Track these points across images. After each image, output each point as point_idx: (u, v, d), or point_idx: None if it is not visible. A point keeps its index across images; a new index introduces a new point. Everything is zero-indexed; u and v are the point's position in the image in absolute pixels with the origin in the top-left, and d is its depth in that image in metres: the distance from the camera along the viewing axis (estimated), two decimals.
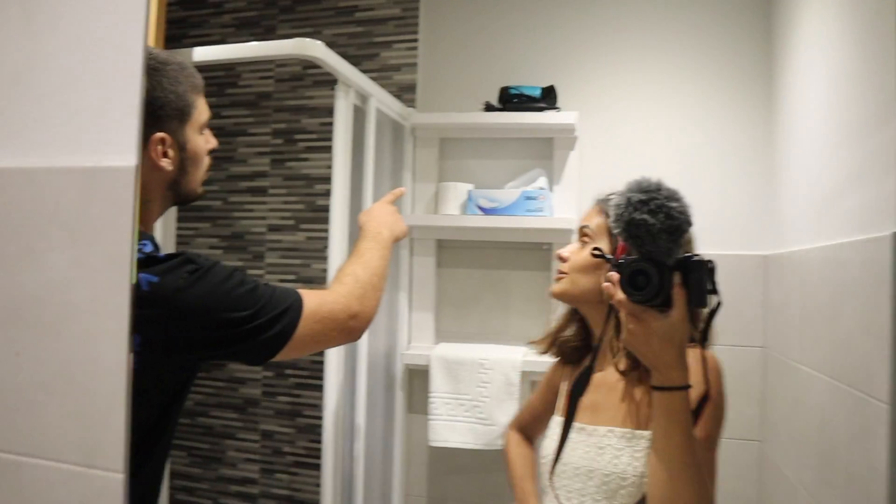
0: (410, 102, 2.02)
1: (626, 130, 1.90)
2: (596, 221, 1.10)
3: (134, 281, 0.70)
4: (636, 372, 1.01)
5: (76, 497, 0.73)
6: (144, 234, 0.92)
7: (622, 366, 1.03)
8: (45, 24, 0.75)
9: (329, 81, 1.50)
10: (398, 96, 1.95)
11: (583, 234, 1.12)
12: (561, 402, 1.17)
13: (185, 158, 0.97)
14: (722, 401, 0.97)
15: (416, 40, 2.05)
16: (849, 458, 1.09)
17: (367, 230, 1.19)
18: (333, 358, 1.50)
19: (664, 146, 1.87)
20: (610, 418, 1.03)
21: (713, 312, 0.92)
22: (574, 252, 1.12)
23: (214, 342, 0.91)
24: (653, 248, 0.84)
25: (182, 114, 0.96)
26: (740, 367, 1.77)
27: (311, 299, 0.99)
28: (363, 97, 1.60)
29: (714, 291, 0.86)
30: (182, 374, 0.97)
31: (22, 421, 0.75)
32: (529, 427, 1.35)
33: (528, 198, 1.85)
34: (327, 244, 1.49)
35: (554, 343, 1.22)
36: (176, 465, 2.20)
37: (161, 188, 0.97)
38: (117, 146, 0.70)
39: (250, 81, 2.17)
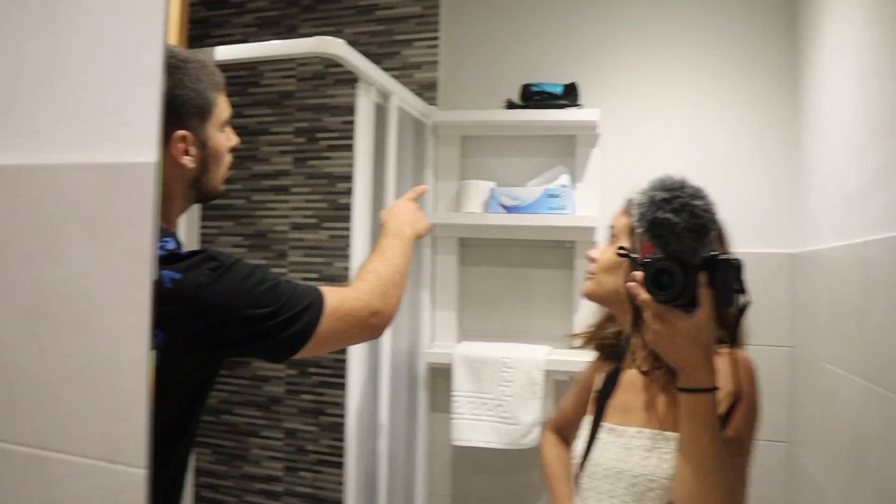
0: (431, 100, 2.02)
1: (649, 127, 1.88)
2: (622, 221, 1.09)
3: (155, 277, 0.70)
4: (660, 372, 0.99)
5: (99, 491, 0.74)
6: (167, 231, 0.93)
7: (645, 366, 1.01)
8: (67, 23, 0.76)
9: (351, 80, 1.50)
10: (419, 94, 1.95)
11: (612, 234, 1.12)
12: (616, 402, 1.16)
13: (206, 156, 0.97)
14: (755, 403, 0.94)
15: (436, 38, 2.04)
16: (882, 462, 1.06)
17: (388, 227, 1.19)
18: (356, 356, 1.50)
19: (688, 143, 1.85)
20: (639, 419, 1.01)
21: (742, 312, 0.90)
22: (602, 252, 1.11)
23: (236, 339, 0.91)
24: (677, 247, 0.83)
25: (203, 111, 0.96)
26: (767, 367, 1.72)
27: (333, 296, 0.99)
28: (384, 95, 1.60)
29: (742, 291, 0.84)
30: (204, 370, 0.97)
31: (46, 415, 0.76)
32: (565, 428, 1.33)
33: (551, 195, 1.84)
34: (349, 242, 1.49)
35: (592, 339, 1.21)
36: (201, 462, 2.22)
37: (183, 185, 0.97)
38: (138, 142, 0.71)
39: (272, 80, 2.18)
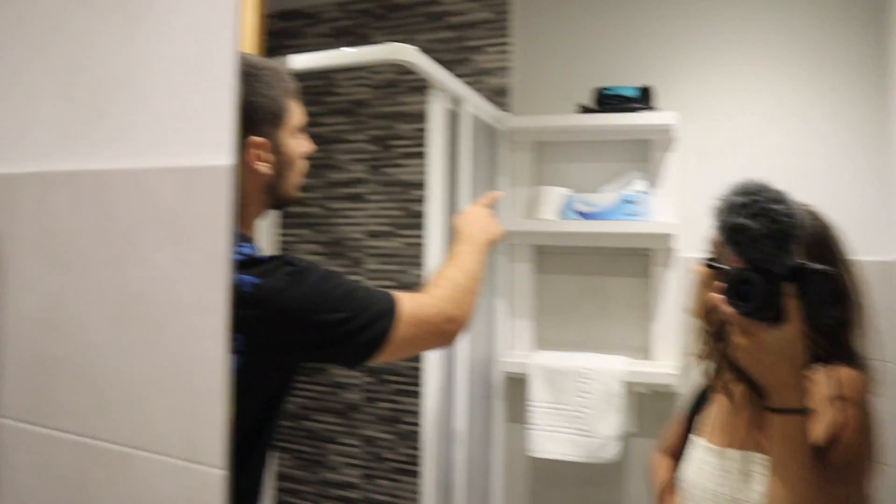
0: (503, 106, 2.01)
1: (729, 131, 1.81)
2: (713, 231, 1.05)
3: (232, 280, 0.72)
4: (749, 390, 0.94)
5: (181, 490, 0.75)
6: (245, 236, 0.95)
7: (732, 383, 0.96)
8: (146, 33, 0.79)
9: (423, 87, 1.51)
10: (491, 100, 1.94)
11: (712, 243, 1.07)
12: (707, 421, 1.10)
13: (280, 162, 0.99)
14: (865, 425, 0.87)
15: (507, 43, 2.03)
16: None
17: (462, 233, 1.18)
18: (432, 364, 1.49)
19: (772, 147, 1.77)
20: (736, 439, 0.95)
21: (845, 326, 0.84)
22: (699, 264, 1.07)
23: (311, 344, 0.92)
24: (756, 255, 0.78)
25: (276, 117, 0.98)
26: None
27: (408, 302, 0.99)
28: (457, 101, 1.60)
29: (839, 303, 0.79)
30: (282, 375, 0.99)
31: (132, 414, 0.79)
32: (674, 448, 1.27)
33: (627, 201, 1.79)
34: (424, 249, 1.49)
35: (706, 354, 1.15)
36: (282, 467, 2.26)
37: (258, 191, 0.99)
38: (214, 146, 0.72)
39: (347, 89, 2.21)
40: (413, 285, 2.08)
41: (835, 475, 0.81)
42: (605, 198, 1.82)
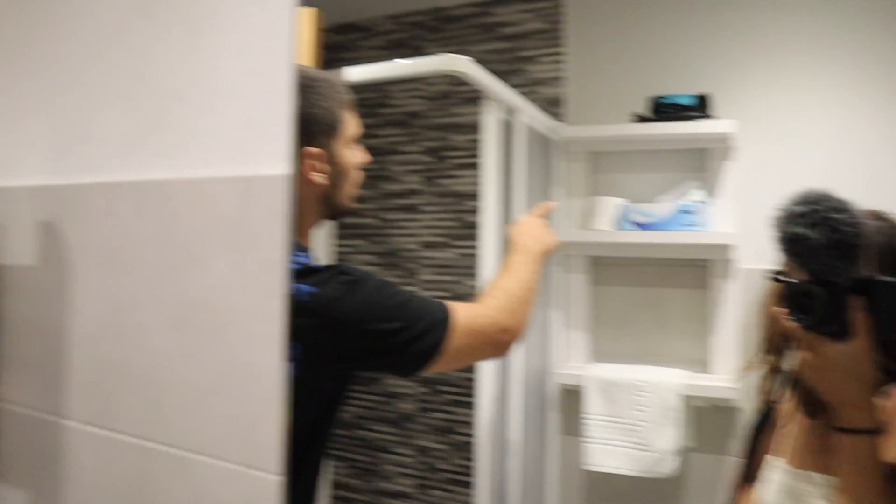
0: (557, 116, 2.00)
1: (790, 139, 1.75)
2: None
3: (288, 288, 0.73)
4: (816, 408, 0.90)
5: (238, 495, 0.77)
6: (301, 246, 0.96)
7: (800, 402, 0.92)
8: (206, 45, 0.81)
9: (476, 98, 1.51)
10: (545, 110, 1.93)
11: None
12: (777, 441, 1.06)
13: (335, 172, 1.00)
14: None
15: (561, 53, 2.02)
16: None
17: (516, 244, 1.17)
18: (486, 375, 1.49)
19: (835, 155, 1.70)
20: (812, 461, 0.91)
21: None
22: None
23: (366, 353, 0.93)
24: (818, 267, 0.75)
25: (331, 128, 0.99)
26: None
27: (462, 313, 0.98)
28: (511, 112, 1.60)
29: None
30: (337, 383, 1.00)
31: (191, 419, 0.80)
32: (751, 473, 1.21)
33: (685, 212, 1.76)
34: (478, 260, 1.49)
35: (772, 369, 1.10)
36: (337, 475, 2.28)
37: (313, 201, 1.01)
38: (271, 156, 0.74)
39: (401, 101, 2.23)
40: (467, 296, 2.08)
41: None
42: (661, 208, 1.79)
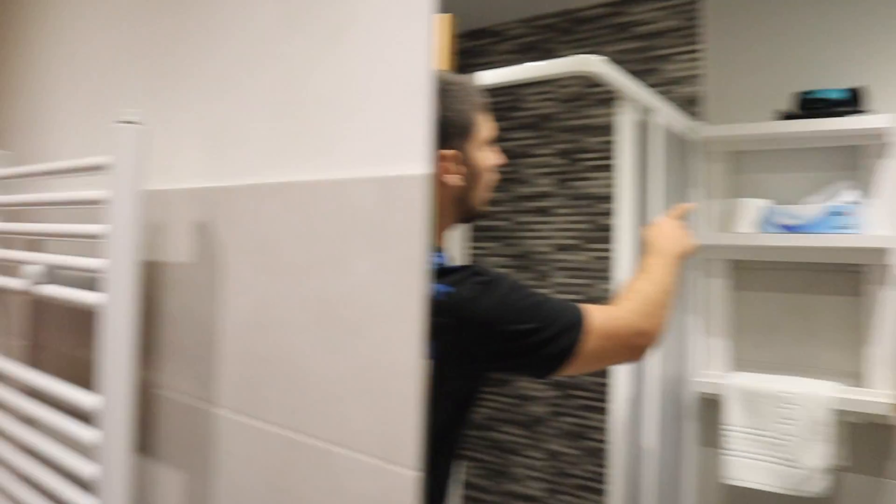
0: (695, 115, 1.92)
1: None
2: None
3: (428, 287, 0.75)
4: None
5: (375, 488, 0.79)
6: (436, 246, 0.98)
7: None
8: (347, 51, 0.85)
9: (610, 99, 1.49)
10: (682, 110, 1.87)
11: None
12: None
13: (469, 174, 1.02)
14: None
15: (698, 50, 1.95)
16: None
17: (652, 246, 1.15)
18: (620, 380, 1.46)
19: None
20: None
21: None
22: None
23: (500, 353, 0.94)
24: None
25: (465, 131, 1.01)
26: None
27: (597, 315, 0.98)
28: (646, 112, 1.56)
29: None
30: (470, 383, 1.01)
31: (332, 412, 0.84)
32: None
33: (835, 213, 1.65)
34: (612, 263, 1.47)
35: None
36: (468, 475, 2.31)
37: (448, 203, 1.03)
38: (410, 156, 0.76)
39: (533, 104, 2.23)
40: (601, 299, 2.04)
41: None
42: (809, 209, 1.69)
